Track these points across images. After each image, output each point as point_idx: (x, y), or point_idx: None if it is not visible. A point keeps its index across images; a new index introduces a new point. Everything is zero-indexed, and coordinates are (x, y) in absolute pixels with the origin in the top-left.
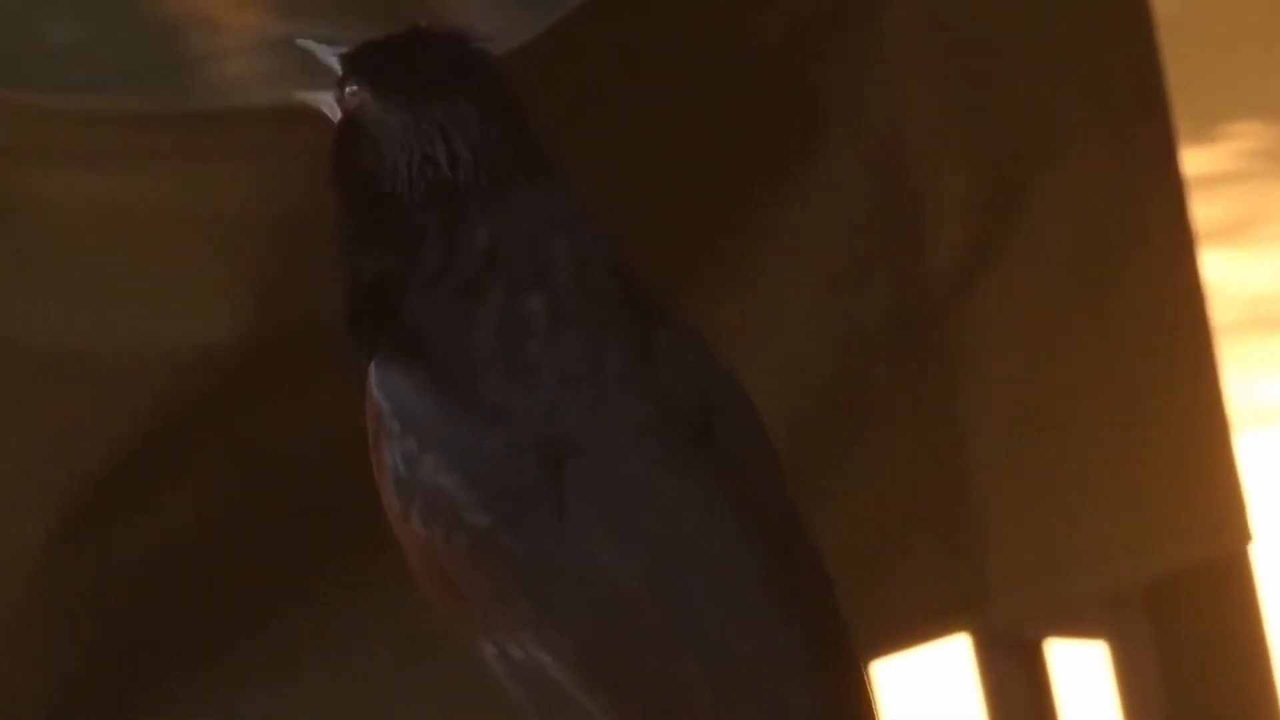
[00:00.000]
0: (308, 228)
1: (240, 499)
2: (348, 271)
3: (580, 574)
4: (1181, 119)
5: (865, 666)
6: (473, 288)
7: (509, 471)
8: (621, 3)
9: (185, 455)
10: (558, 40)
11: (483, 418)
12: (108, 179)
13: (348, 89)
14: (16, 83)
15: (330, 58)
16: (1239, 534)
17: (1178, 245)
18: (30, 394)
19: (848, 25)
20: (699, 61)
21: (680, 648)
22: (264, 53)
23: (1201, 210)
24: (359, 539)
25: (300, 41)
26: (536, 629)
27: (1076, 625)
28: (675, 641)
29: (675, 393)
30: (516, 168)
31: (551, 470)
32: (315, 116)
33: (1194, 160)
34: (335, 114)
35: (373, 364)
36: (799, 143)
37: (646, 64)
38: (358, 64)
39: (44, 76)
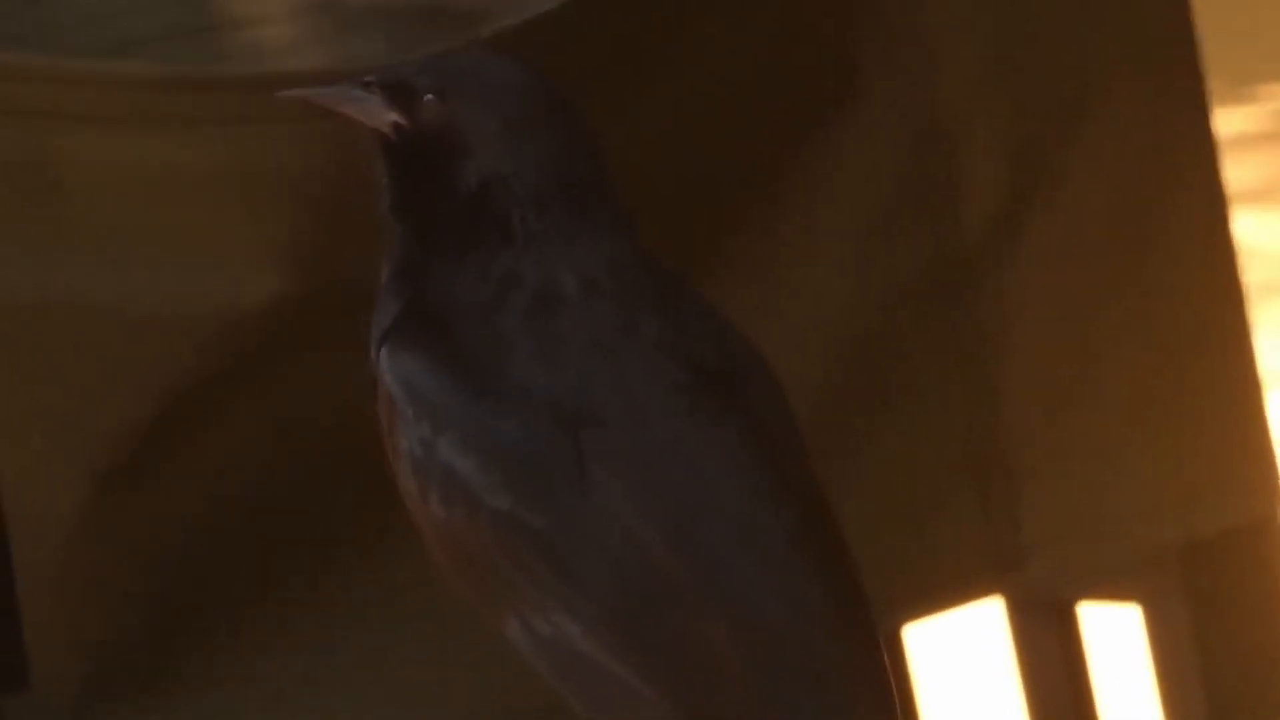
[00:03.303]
0: (341, 191)
1: (276, 462)
2: (399, 271)
3: (605, 540)
4: (1214, 81)
5: (885, 632)
6: (511, 276)
7: (527, 448)
8: None
9: (220, 416)
10: (595, 3)
11: (500, 396)
12: (144, 142)
13: (425, 98)
14: (57, 44)
15: (356, 91)
16: (1271, 497)
17: (1211, 206)
18: (66, 353)
19: None
20: (737, 23)
21: (710, 606)
22: (297, 18)
23: (1234, 172)
24: (394, 504)
25: (304, 93)
26: (563, 600)
27: (1109, 588)
28: (704, 600)
29: (706, 358)
30: (583, 188)
31: (571, 441)
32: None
33: (1227, 122)
34: (374, 115)
35: (383, 350)
36: (834, 102)
37: (684, 25)
38: (417, 78)
39: (83, 38)
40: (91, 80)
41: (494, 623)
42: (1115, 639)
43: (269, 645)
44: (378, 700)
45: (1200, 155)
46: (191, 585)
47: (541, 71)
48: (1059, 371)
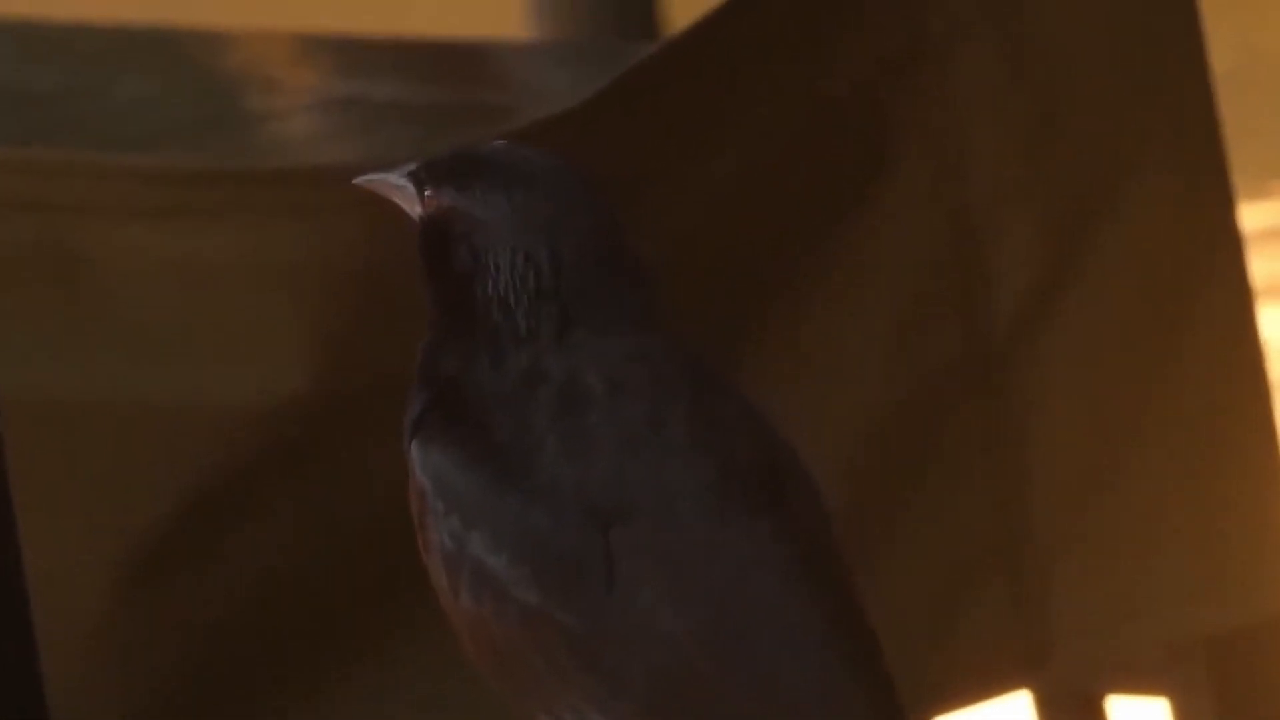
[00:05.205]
0: (368, 284)
1: (306, 553)
2: (427, 361)
3: (633, 636)
4: (1239, 176)
5: None
6: (536, 371)
7: (555, 545)
8: (687, 56)
9: (250, 508)
10: (624, 94)
11: (530, 492)
12: (170, 235)
13: (425, 193)
14: (87, 136)
15: (399, 179)
16: None
17: (1237, 298)
18: (96, 445)
19: (917, 74)
20: (768, 110)
21: (740, 703)
22: (322, 111)
23: (1260, 267)
24: (421, 595)
25: (362, 180)
26: (591, 695)
27: (1137, 681)
28: (735, 697)
29: (737, 453)
30: (608, 280)
31: (600, 538)
32: (384, 200)
33: (1253, 217)
34: (412, 205)
35: (414, 444)
36: (866, 189)
37: (714, 115)
38: (434, 169)
39: (113, 130)
40: (120, 173)
41: (523, 716)
42: None
43: None
44: None
45: (1226, 249)
46: (219, 676)
47: (573, 164)
48: (1087, 463)
